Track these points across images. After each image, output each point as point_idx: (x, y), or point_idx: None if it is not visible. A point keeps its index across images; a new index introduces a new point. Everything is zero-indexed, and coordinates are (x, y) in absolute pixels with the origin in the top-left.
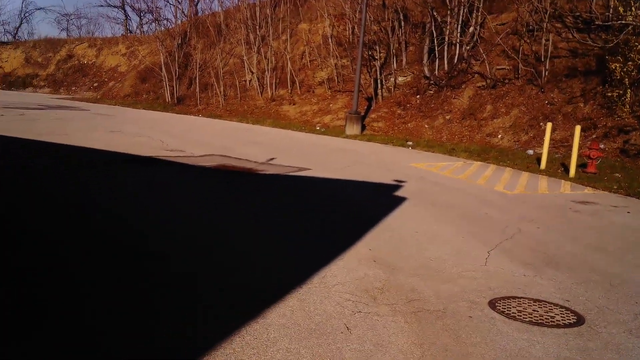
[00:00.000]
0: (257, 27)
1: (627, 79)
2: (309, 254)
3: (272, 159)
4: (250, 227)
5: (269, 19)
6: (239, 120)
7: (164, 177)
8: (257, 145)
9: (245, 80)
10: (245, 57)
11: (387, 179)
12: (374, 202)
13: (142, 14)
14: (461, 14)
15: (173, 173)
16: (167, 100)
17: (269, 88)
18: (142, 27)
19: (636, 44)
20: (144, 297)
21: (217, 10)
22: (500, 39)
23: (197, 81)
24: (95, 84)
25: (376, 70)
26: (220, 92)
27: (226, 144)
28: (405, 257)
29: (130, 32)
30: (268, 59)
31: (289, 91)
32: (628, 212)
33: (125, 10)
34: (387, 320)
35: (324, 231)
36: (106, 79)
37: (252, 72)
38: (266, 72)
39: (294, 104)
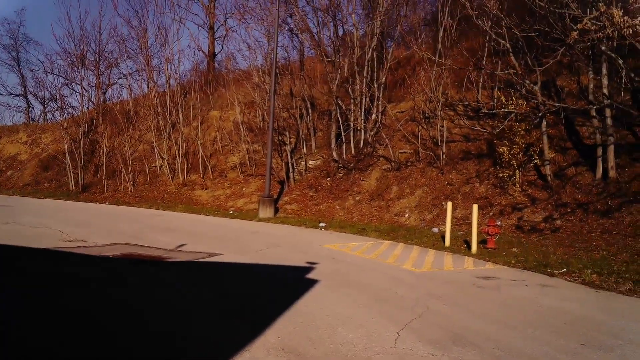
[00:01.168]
0: (167, 114)
1: (514, 161)
2: (215, 345)
3: (182, 245)
4: (140, 322)
5: (180, 107)
6: (149, 206)
7: (55, 271)
8: (168, 231)
9: (155, 166)
10: (155, 144)
11: (301, 262)
12: (287, 286)
13: (45, 102)
14: (364, 102)
15: (70, 266)
16: (71, 189)
17: (180, 173)
18: (45, 115)
19: (519, 129)
20: None
21: (126, 98)
22: (400, 125)
23: (104, 168)
24: None
25: (287, 154)
26: (129, 179)
27: (134, 232)
28: (315, 342)
29: (33, 120)
30: (179, 145)
31: (201, 176)
32: (526, 286)
33: (27, 99)
34: None
35: (231, 321)
36: (4, 168)
37: (163, 158)
38: (177, 157)
39: (206, 189)
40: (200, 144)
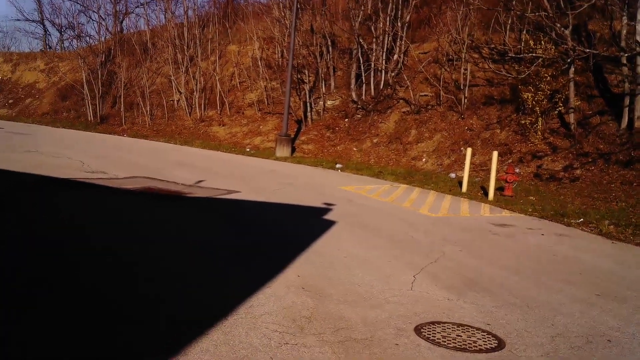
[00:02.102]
0: (185, 47)
1: (538, 108)
2: (237, 281)
3: (200, 181)
4: (174, 253)
5: (198, 40)
6: (167, 140)
7: (78, 202)
8: (186, 166)
9: (173, 100)
10: (173, 77)
11: (317, 202)
12: (304, 226)
13: (62, 30)
14: (386, 42)
15: (91, 197)
16: (89, 119)
17: (197, 109)
18: (62, 43)
19: (546, 75)
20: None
21: (143, 28)
22: (423, 67)
23: (122, 100)
24: (11, 101)
25: (305, 93)
26: (147, 112)
27: (153, 165)
28: (334, 282)
29: (50, 47)
30: (197, 80)
31: (219, 112)
32: (542, 234)
33: (44, 25)
34: (314, 351)
35: (253, 257)
36: (22, 96)
37: (180, 92)
38: (195, 92)
39: (223, 125)
40: (218, 79)
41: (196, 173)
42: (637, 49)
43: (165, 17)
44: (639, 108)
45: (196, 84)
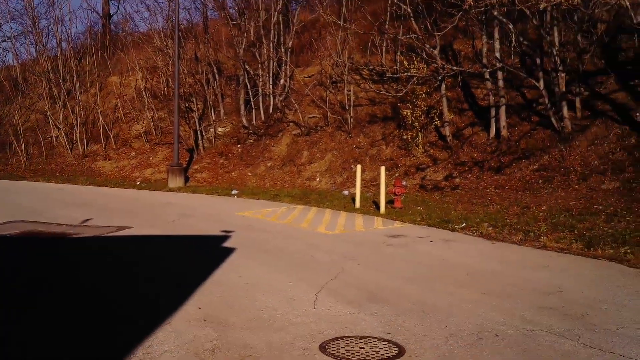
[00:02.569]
0: (61, 80)
1: (417, 123)
2: (133, 322)
3: (87, 219)
4: (57, 302)
5: (74, 72)
6: (47, 179)
7: None
8: (71, 206)
9: (51, 137)
10: (49, 112)
11: (215, 231)
12: (203, 256)
13: None
14: (271, 67)
15: None
16: None
17: (79, 144)
18: None
19: (421, 92)
20: None
21: (12, 63)
22: (309, 90)
23: None
24: None
25: (195, 121)
26: (22, 151)
27: (33, 207)
28: (236, 310)
29: None
30: (76, 114)
31: (103, 146)
32: (431, 241)
33: None
34: None
35: (148, 295)
36: None
37: (59, 128)
38: (75, 127)
39: (109, 159)
40: (100, 112)
41: (83, 211)
42: (497, 64)
43: (36, 51)
44: (504, 118)
45: (76, 119)
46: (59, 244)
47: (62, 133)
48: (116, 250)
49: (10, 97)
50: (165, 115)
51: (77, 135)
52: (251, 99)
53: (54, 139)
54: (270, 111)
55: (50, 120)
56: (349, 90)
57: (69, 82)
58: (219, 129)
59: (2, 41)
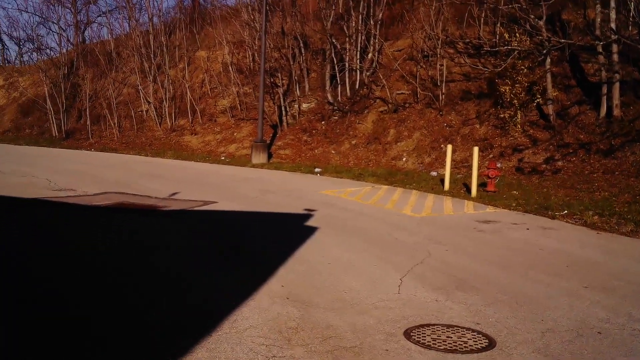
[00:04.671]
0: (152, 55)
1: (516, 101)
2: (219, 295)
3: (175, 193)
4: (154, 268)
5: (164, 47)
6: (137, 152)
7: (49, 221)
8: (158, 179)
9: (141, 111)
10: (140, 87)
11: (298, 208)
12: (286, 233)
13: (21, 43)
14: (359, 41)
15: (61, 216)
16: (54, 135)
17: (168, 118)
18: (21, 56)
19: (522, 67)
20: None
21: (107, 38)
22: (398, 64)
23: (88, 113)
24: None
25: (280, 97)
26: (115, 124)
27: (124, 179)
28: (319, 290)
29: (8, 62)
30: (165, 88)
31: (190, 121)
32: (527, 229)
33: (1, 39)
34: None
35: (235, 268)
36: None
37: (149, 102)
38: (164, 101)
39: (196, 134)
40: (188, 86)
41: (170, 185)
42: (612, 36)
43: (129, 25)
44: (617, 96)
45: (165, 93)
46: (150, 215)
47: (152, 107)
48: (201, 221)
49: (104, 71)
50: (251, 91)
51: (166, 109)
52: (337, 74)
53: (144, 113)
54: (357, 87)
55: (141, 94)
56: (442, 65)
57: (159, 56)
58: (303, 105)
59: (98, 16)
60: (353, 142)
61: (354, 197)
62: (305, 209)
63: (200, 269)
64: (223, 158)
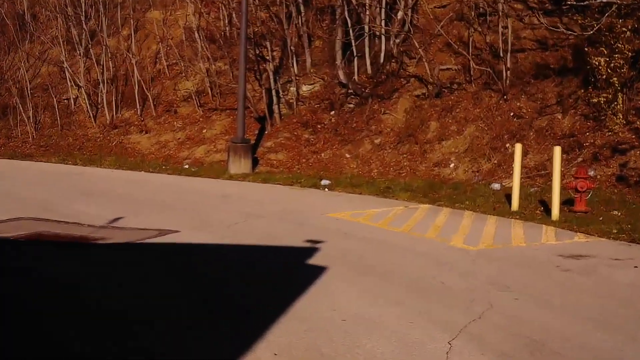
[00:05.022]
0: (83, 17)
1: (616, 79)
2: None
3: (117, 218)
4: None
5: (101, 6)
6: (62, 159)
7: None
8: (93, 197)
9: (68, 99)
10: (66, 64)
11: (297, 240)
12: (280, 277)
13: None
14: None
15: None
16: None
17: (106, 109)
18: None
19: (624, 29)
20: None
21: None
22: (442, 27)
23: None
24: None
25: (269, 76)
26: (29, 118)
27: (43, 199)
28: None
29: None
30: (103, 65)
31: (139, 112)
32: (635, 267)
33: None
34: None
35: (210, 329)
36: None
37: (79, 86)
38: (101, 84)
39: (147, 132)
40: (136, 63)
41: (110, 207)
42: None
43: None
44: None
45: (102, 72)
46: (79, 251)
47: (83, 93)
48: (156, 261)
49: (14, 42)
50: (227, 68)
51: (104, 96)
52: (352, 42)
53: (72, 102)
54: (381, 60)
55: (67, 74)
56: (505, 27)
57: (93, 19)
58: (304, 88)
59: None
60: (377, 141)
61: (378, 221)
62: (308, 240)
63: (158, 332)
64: (187, 166)
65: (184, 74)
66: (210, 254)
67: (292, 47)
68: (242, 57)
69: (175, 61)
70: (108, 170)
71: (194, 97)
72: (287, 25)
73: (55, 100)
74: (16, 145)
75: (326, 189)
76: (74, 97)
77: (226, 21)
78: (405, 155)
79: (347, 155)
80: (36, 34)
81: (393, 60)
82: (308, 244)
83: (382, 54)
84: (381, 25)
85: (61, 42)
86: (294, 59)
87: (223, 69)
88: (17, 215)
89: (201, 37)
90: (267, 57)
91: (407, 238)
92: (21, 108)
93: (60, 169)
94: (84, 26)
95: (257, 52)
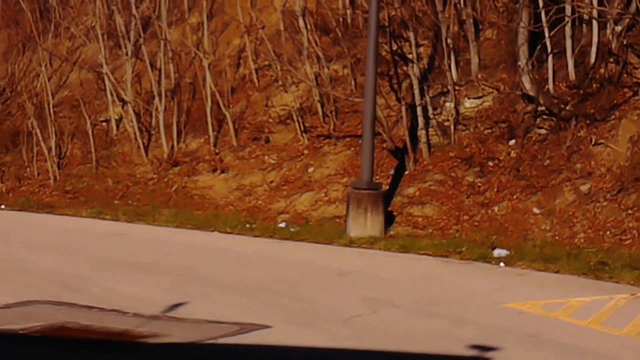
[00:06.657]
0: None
1: None
2: None
3: (177, 305)
4: None
5: None
6: (97, 213)
7: None
8: (141, 271)
9: (107, 121)
10: (106, 68)
11: (454, 345)
12: None
13: None
14: None
15: None
16: None
17: (164, 136)
18: None
19: None
20: None
21: None
22: None
23: None
24: None
25: (412, 85)
26: (50, 151)
27: (68, 273)
28: None
29: None
30: (160, 70)
31: (211, 141)
32: None
33: None
34: None
35: None
36: None
37: (125, 102)
38: (156, 98)
39: (223, 172)
40: (209, 65)
41: (167, 285)
42: None
43: None
44: None
45: (159, 80)
46: (117, 356)
47: (131, 111)
48: None
49: (32, 36)
50: (347, 73)
51: (160, 116)
52: (545, 31)
53: (114, 126)
54: (592, 60)
55: (107, 83)
56: None
57: (147, 2)
58: (467, 104)
59: None
60: (584, 187)
61: (587, 319)
62: (473, 347)
63: None
64: (284, 225)
65: (281, 83)
66: None
67: (448, 40)
68: (371, 57)
69: (268, 63)
70: (164, 230)
71: (295, 117)
72: (442, 5)
73: (89, 122)
74: (31, 190)
75: (502, 264)
76: (117, 117)
77: (347, 1)
78: (630, 212)
79: (536, 211)
80: (64, 24)
81: (611, 60)
82: (474, 353)
83: (594, 50)
84: (592, 5)
85: (100, 36)
86: (452, 58)
87: (341, 75)
88: (28, 297)
89: (309, 26)
90: (410, 56)
91: (635, 347)
92: (39, 135)
93: (94, 226)
94: (134, 11)
95: (395, 47)
